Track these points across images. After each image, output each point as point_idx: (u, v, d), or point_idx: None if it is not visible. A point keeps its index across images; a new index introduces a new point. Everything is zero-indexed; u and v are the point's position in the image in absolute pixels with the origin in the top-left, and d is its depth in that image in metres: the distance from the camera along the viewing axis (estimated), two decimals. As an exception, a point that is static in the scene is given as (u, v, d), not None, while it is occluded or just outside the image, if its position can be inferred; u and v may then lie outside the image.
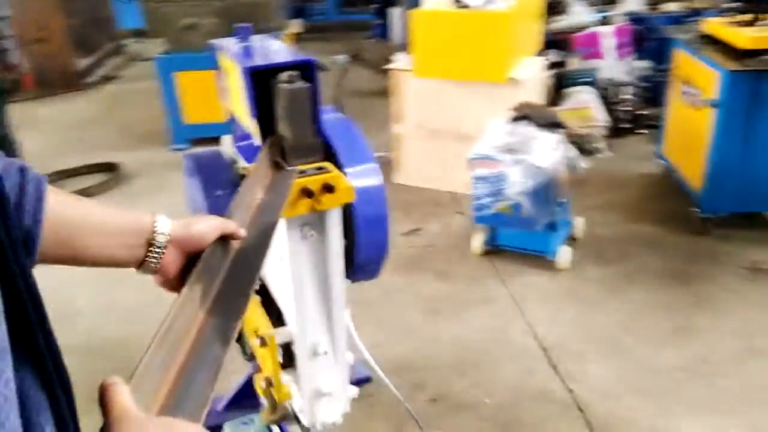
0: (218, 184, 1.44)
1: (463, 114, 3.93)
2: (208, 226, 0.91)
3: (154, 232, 0.87)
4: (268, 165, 1.17)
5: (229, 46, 1.41)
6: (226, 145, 1.64)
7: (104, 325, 2.87)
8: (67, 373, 0.59)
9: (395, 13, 6.82)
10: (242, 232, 0.95)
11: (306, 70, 1.22)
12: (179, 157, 1.34)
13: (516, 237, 3.22)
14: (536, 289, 3.02)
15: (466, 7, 3.79)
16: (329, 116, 1.47)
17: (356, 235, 1.35)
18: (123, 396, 0.57)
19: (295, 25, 7.56)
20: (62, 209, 0.81)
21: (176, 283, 0.90)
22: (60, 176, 4.60)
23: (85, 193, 4.28)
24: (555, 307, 2.87)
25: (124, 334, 2.81)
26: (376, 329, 2.75)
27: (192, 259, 0.89)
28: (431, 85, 3.98)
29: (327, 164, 1.23)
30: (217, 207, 1.41)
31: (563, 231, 3.28)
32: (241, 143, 1.51)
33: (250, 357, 1.71)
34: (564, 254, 3.14)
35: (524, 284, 3.06)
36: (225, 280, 0.86)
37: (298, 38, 7.70)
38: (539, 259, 3.18)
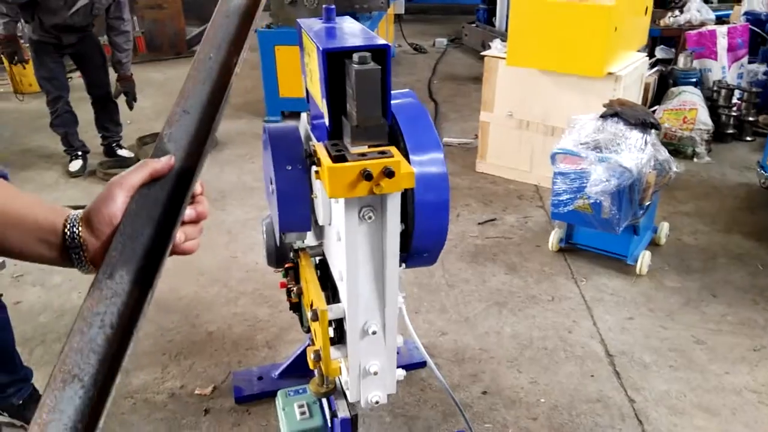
0: (289, 159, 1.47)
1: (555, 106, 3.83)
2: (111, 211, 0.82)
3: (65, 237, 0.82)
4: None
5: (311, 25, 1.44)
6: (303, 123, 1.69)
7: (179, 284, 3.03)
8: None
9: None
10: (163, 162, 0.85)
11: (380, 53, 1.23)
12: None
13: (594, 237, 3.12)
14: (610, 292, 2.92)
15: (568, -4, 3.66)
16: (402, 101, 1.48)
17: (415, 222, 1.36)
18: None
19: (398, 6, 7.58)
20: None
21: None
22: (155, 138, 4.86)
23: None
24: (627, 314, 2.76)
25: (195, 294, 2.97)
26: (439, 316, 2.75)
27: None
28: (524, 75, 3.89)
29: (391, 148, 1.24)
30: (286, 180, 1.46)
31: (645, 235, 3.15)
32: (315, 121, 1.54)
33: (307, 329, 1.77)
34: (644, 260, 3.02)
35: (597, 286, 2.97)
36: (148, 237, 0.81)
37: (400, 19, 7.73)
38: (617, 261, 3.08)
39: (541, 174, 3.92)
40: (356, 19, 5.44)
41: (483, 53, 4.30)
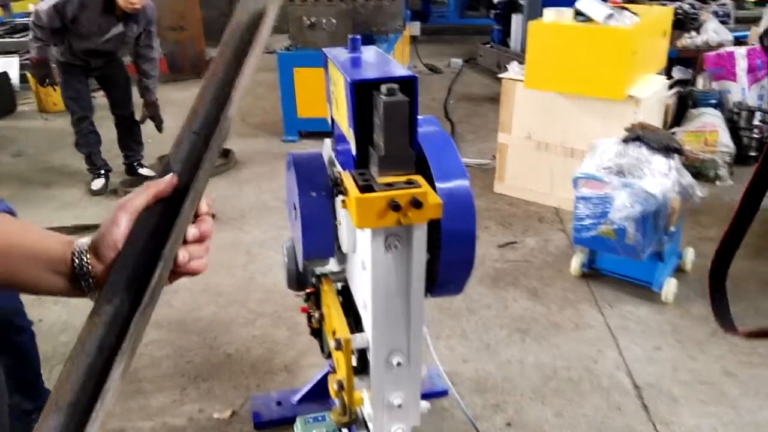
0: (313, 185, 1.47)
1: (574, 129, 3.80)
2: (115, 236, 0.81)
3: (74, 267, 0.82)
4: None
5: (338, 55, 1.44)
6: (326, 148, 1.68)
7: (198, 305, 3.03)
8: None
9: (516, 21, 6.71)
10: (166, 182, 0.84)
11: (407, 84, 1.23)
12: (289, 148, 1.38)
13: (618, 263, 3.07)
14: (635, 320, 2.86)
15: (587, 21, 3.65)
16: (427, 129, 1.47)
17: (441, 252, 1.34)
18: None
19: (413, 28, 7.62)
20: (2, 233, 0.82)
21: None
22: (176, 157, 4.91)
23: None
24: (654, 343, 2.71)
25: (213, 315, 2.96)
26: (461, 342, 2.72)
27: None
28: (542, 97, 3.88)
29: (417, 178, 1.23)
30: (310, 207, 1.45)
31: (671, 262, 3.10)
32: (339, 147, 1.54)
33: (328, 355, 1.75)
34: (670, 287, 2.96)
35: (623, 314, 2.91)
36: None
37: (415, 40, 7.77)
38: (642, 288, 3.02)
39: (562, 196, 3.88)
40: (373, 41, 5.45)
41: (500, 75, 4.29)
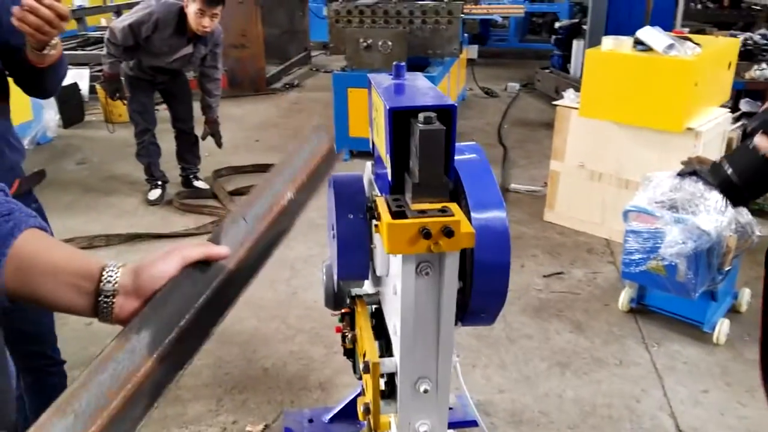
0: (351, 207, 1.48)
1: (629, 160, 3.72)
2: (161, 270, 0.86)
3: (101, 281, 0.85)
4: (319, 145, 1.07)
5: (381, 81, 1.46)
6: (367, 171, 1.70)
7: (240, 317, 3.08)
8: None
9: (577, 46, 6.64)
10: (222, 250, 0.91)
11: (446, 113, 1.23)
12: (339, 167, 1.41)
13: (669, 300, 2.97)
14: (683, 360, 2.76)
15: (647, 50, 3.58)
16: (466, 157, 1.47)
17: (473, 281, 1.32)
18: None
19: (471, 51, 7.64)
20: (29, 248, 0.84)
21: None
22: (230, 171, 5.05)
23: (247, 191, 4.65)
24: (702, 386, 2.60)
25: (254, 328, 3.00)
26: (498, 372, 2.67)
27: None
28: (597, 125, 3.81)
29: (452, 206, 1.22)
30: (347, 228, 1.46)
31: (724, 301, 2.98)
32: (378, 172, 1.55)
33: (360, 376, 1.75)
34: (722, 327, 2.84)
35: (670, 353, 2.81)
36: (187, 319, 0.84)
37: (473, 63, 7.78)
38: (692, 328, 2.91)
39: (614, 228, 3.79)
40: (428, 64, 5.49)
41: (555, 102, 4.25)
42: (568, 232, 4.02)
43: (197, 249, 0.89)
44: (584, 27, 6.45)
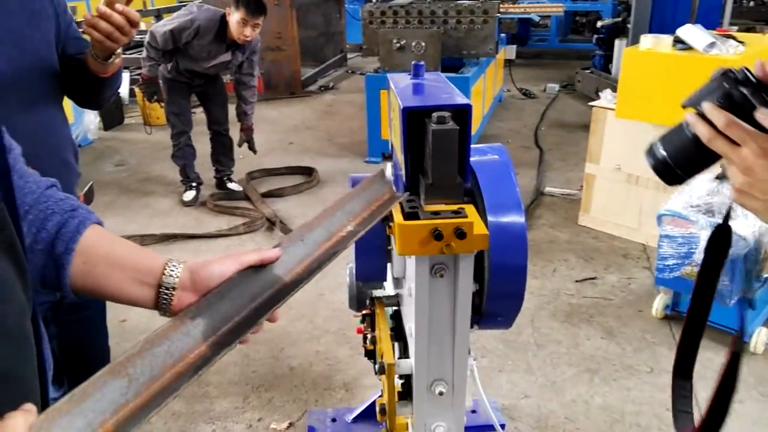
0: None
1: (666, 163, 3.62)
2: (219, 270, 0.94)
3: (163, 274, 0.92)
4: (381, 192, 1.16)
5: (399, 81, 1.45)
6: (387, 173, 1.69)
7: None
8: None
9: (619, 46, 6.50)
10: (274, 253, 0.99)
11: (461, 113, 1.22)
12: (371, 170, 1.41)
13: (704, 306, 2.88)
14: (717, 369, 2.66)
15: (687, 49, 3.49)
16: (485, 158, 1.45)
17: (489, 284, 1.31)
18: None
19: (508, 52, 7.55)
20: (93, 243, 0.90)
21: None
22: (263, 174, 5.10)
23: (279, 193, 4.70)
24: (736, 396, 2.51)
25: (282, 328, 3.03)
26: (524, 377, 2.63)
27: None
28: (635, 127, 3.72)
29: (466, 207, 1.21)
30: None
31: (763, 309, 2.87)
32: (395, 173, 1.54)
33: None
34: (759, 337, 2.75)
35: (703, 361, 2.72)
36: (232, 311, 0.92)
37: (511, 64, 7.70)
38: (728, 336, 2.81)
39: (650, 232, 3.69)
40: (462, 64, 5.42)
41: (591, 103, 4.17)
42: (603, 237, 3.93)
43: (253, 254, 0.97)
44: (628, 26, 6.31)
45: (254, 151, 4.77)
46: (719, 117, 0.94)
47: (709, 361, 2.72)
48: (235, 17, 3.97)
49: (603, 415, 2.41)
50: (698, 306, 1.25)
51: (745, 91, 0.93)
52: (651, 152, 1.11)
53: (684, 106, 1.04)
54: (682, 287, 2.79)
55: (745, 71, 0.94)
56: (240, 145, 4.71)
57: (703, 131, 0.96)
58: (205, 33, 4.06)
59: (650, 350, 2.81)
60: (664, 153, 1.07)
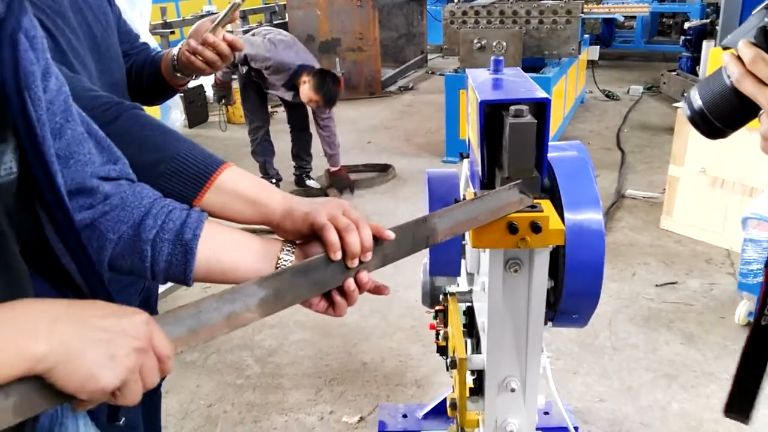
0: (443, 203, 1.49)
1: (755, 165, 3.45)
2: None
3: (279, 258, 0.97)
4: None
5: (478, 76, 1.47)
6: (464, 168, 1.71)
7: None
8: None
9: (707, 47, 6.23)
10: (390, 235, 1.03)
11: (539, 107, 1.22)
12: (448, 169, 1.44)
13: (794, 316, 2.73)
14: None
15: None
16: (563, 153, 1.44)
17: (564, 281, 1.30)
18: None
19: (591, 52, 7.37)
20: (215, 231, 0.95)
21: None
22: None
23: (357, 187, 4.79)
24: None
25: (355, 323, 3.08)
26: (599, 381, 2.58)
27: None
28: (722, 129, 3.57)
29: (542, 202, 1.21)
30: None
31: None
32: (472, 168, 1.56)
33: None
34: None
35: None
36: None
37: (594, 65, 7.51)
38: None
39: (735, 237, 3.53)
40: (544, 64, 5.34)
41: (676, 104, 4.03)
42: (686, 241, 3.79)
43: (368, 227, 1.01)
44: (716, 27, 6.06)
45: (351, 191, 4.84)
46: (747, 53, 0.81)
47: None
48: (308, 88, 4.20)
49: (680, 422, 2.33)
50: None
51: None
52: (688, 101, 0.97)
53: (723, 47, 0.92)
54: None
55: None
56: (328, 190, 4.80)
57: (734, 71, 0.83)
58: (275, 73, 4.25)
59: (732, 358, 2.69)
60: (700, 101, 0.94)
